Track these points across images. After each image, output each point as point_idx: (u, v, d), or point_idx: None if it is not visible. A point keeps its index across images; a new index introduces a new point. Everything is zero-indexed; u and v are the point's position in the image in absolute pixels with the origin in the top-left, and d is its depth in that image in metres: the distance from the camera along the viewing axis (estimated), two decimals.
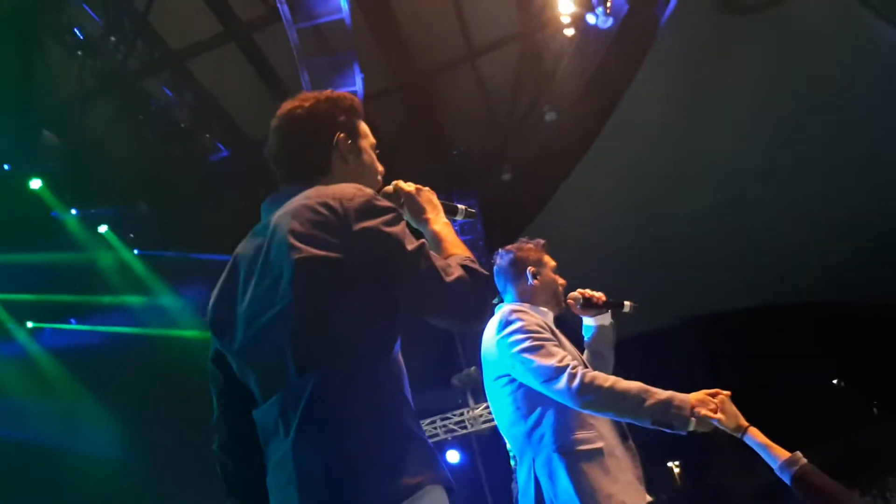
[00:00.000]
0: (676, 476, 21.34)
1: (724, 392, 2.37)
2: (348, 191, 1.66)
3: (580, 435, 2.49)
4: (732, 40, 10.15)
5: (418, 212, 1.90)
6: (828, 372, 20.74)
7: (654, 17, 9.10)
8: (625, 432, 2.64)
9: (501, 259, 2.92)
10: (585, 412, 2.44)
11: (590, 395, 2.33)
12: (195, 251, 10.18)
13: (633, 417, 2.36)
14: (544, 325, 2.60)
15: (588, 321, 2.95)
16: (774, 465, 2.29)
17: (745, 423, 2.34)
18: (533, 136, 10.71)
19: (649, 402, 2.29)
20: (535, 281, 2.84)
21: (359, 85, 8.50)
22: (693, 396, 2.34)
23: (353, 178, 1.79)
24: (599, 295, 2.88)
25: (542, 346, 2.45)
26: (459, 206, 2.09)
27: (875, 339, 18.30)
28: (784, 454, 2.29)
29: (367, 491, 1.42)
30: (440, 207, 1.92)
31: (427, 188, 1.96)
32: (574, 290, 2.93)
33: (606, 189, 11.77)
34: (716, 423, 2.31)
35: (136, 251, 9.97)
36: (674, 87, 10.48)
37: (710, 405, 2.31)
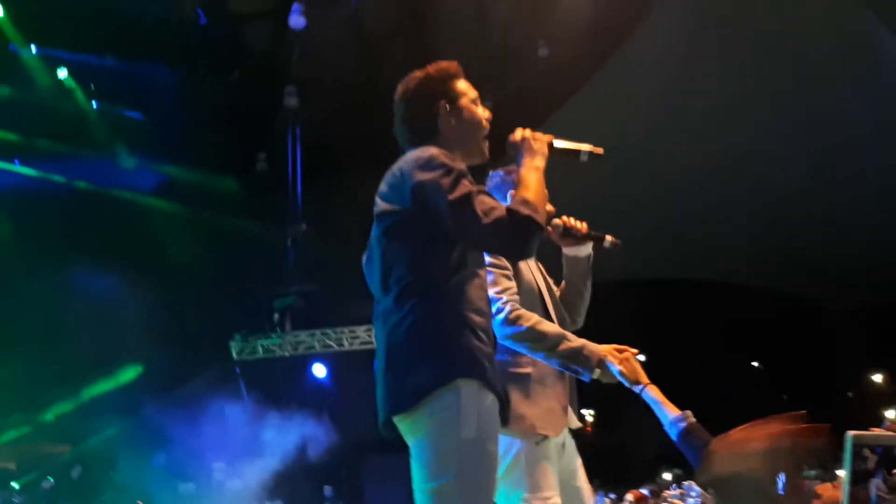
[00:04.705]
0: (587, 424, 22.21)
1: (632, 350, 2.53)
2: (418, 153, 2.12)
3: (512, 358, 2.60)
4: (740, 10, 10.03)
5: (519, 158, 2.27)
6: (750, 354, 21.58)
7: None
8: None
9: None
10: (506, 343, 2.58)
11: (510, 328, 2.51)
12: (157, 116, 9.80)
13: (546, 357, 2.55)
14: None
15: (565, 251, 2.91)
16: (665, 421, 2.42)
17: (646, 380, 2.46)
18: (521, 69, 10.46)
19: (562, 346, 2.50)
20: None
21: None
22: (603, 349, 2.51)
23: (459, 135, 2.25)
24: (581, 225, 2.83)
25: (491, 275, 2.56)
26: (583, 147, 2.40)
27: (798, 331, 19.07)
28: (676, 411, 2.41)
29: (409, 370, 1.99)
30: (538, 153, 2.25)
31: (537, 135, 2.30)
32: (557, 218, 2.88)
33: (584, 137, 11.67)
34: (618, 374, 2.48)
35: (94, 103, 9.55)
36: (673, 46, 10.33)
37: (616, 358, 2.49)
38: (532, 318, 2.53)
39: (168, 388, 10.09)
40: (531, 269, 2.75)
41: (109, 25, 8.88)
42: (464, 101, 2.30)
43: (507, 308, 2.53)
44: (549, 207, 2.79)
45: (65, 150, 9.36)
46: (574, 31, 9.83)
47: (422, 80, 2.31)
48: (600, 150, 2.42)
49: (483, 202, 2.03)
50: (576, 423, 2.71)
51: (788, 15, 10.08)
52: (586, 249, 2.88)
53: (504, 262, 2.63)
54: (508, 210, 2.03)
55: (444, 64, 2.34)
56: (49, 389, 9.74)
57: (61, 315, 9.04)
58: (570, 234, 2.83)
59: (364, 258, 2.26)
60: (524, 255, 2.22)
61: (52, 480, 9.52)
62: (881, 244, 14.06)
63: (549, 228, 2.82)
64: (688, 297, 16.91)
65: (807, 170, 12.61)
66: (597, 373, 2.48)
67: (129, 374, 10.51)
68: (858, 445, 1.93)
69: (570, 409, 2.68)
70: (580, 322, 2.94)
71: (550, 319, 2.67)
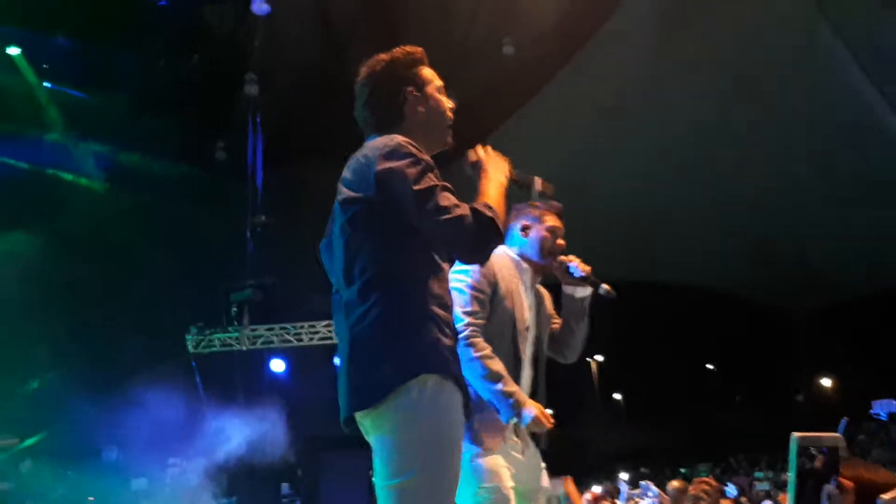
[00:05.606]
0: None
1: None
2: (384, 141, 2.05)
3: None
4: (700, 15, 10.16)
5: (480, 175, 2.24)
6: (704, 356, 21.96)
7: None
8: (517, 378, 2.76)
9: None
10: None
11: (461, 351, 2.54)
12: (112, 99, 9.52)
13: (479, 388, 2.61)
14: (492, 280, 2.72)
15: (564, 288, 2.97)
16: None
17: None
18: (485, 66, 10.41)
19: (496, 386, 2.58)
20: (525, 236, 2.94)
21: None
22: (531, 407, 2.59)
23: (425, 123, 2.18)
24: (585, 268, 2.91)
25: (466, 294, 2.67)
26: (537, 178, 2.53)
27: (751, 334, 19.47)
28: None
29: (373, 364, 1.93)
30: (500, 171, 2.25)
31: (495, 155, 2.31)
32: (570, 254, 2.96)
33: (546, 136, 11.71)
34: (530, 422, 2.58)
35: (46, 84, 9.25)
36: (637, 46, 10.40)
37: (540, 425, 2.59)
38: (483, 350, 2.61)
39: (121, 381, 9.83)
40: (513, 297, 2.77)
41: (64, 3, 8.59)
42: (430, 89, 2.23)
43: (466, 332, 2.61)
44: (560, 241, 2.93)
45: (11, 130, 9.04)
46: (539, 29, 9.83)
47: (389, 64, 2.22)
48: (549, 187, 2.53)
49: (447, 198, 2.00)
50: (528, 442, 2.75)
51: (747, 19, 10.27)
52: (584, 291, 2.96)
53: (484, 285, 2.70)
54: (472, 209, 2.01)
55: (409, 48, 2.26)
56: None
57: (3, 305, 8.74)
58: (570, 274, 2.92)
59: (322, 244, 2.21)
60: (480, 258, 2.16)
61: (10, 483, 9.23)
62: (835, 247, 14.39)
63: (555, 264, 2.92)
64: (641, 300, 17.07)
65: (763, 173, 12.84)
66: (514, 419, 2.58)
67: (77, 366, 10.21)
68: (804, 447, 1.99)
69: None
70: (570, 358, 3.01)
71: (517, 351, 2.73)
